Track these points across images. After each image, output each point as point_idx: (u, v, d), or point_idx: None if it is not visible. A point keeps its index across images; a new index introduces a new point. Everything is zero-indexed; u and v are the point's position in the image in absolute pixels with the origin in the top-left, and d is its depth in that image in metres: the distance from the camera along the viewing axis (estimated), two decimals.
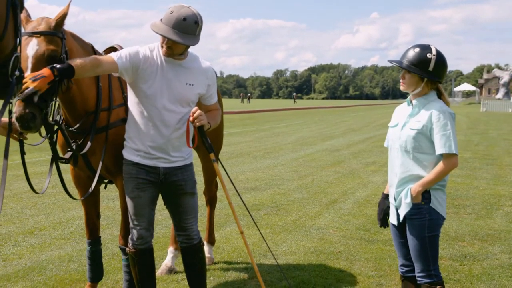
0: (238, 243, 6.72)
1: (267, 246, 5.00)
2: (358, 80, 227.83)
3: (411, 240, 3.88)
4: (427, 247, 3.82)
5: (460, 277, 5.61)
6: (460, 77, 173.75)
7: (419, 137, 3.80)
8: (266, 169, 13.34)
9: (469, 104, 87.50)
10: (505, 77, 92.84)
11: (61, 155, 4.42)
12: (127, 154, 4.10)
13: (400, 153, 3.90)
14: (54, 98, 3.77)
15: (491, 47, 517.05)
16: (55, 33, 3.81)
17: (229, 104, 61.57)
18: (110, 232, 7.13)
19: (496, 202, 9.48)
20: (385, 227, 4.24)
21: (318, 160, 15.08)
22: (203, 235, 5.77)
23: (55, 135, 4.31)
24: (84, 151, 4.20)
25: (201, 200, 5.48)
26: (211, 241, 6.16)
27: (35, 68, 3.64)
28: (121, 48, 4.49)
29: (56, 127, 4.24)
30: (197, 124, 3.92)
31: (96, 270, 4.88)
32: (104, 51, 4.61)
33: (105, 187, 4.97)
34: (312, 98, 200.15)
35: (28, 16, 3.90)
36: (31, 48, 3.71)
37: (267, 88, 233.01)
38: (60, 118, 4.27)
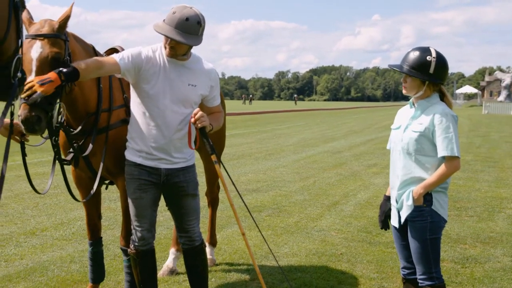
0: (239, 244, 6.72)
1: (269, 248, 5.00)
2: (359, 82, 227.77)
3: (412, 243, 3.88)
4: (429, 249, 3.82)
5: (462, 279, 5.60)
6: (462, 79, 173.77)
7: (422, 140, 3.79)
8: (268, 170, 13.34)
9: (471, 106, 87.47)
10: (507, 80, 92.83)
11: (62, 156, 4.43)
12: (129, 155, 4.10)
13: (402, 155, 3.89)
14: (58, 101, 3.77)
15: (493, 50, 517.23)
16: (59, 35, 3.81)
17: (231, 105, 61.63)
18: (111, 233, 7.13)
19: (498, 204, 9.47)
20: (386, 229, 4.24)
21: (319, 162, 15.07)
22: (205, 236, 5.77)
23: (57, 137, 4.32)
24: (86, 153, 4.21)
25: (203, 201, 5.48)
26: (213, 243, 6.16)
27: (39, 71, 3.65)
28: (122, 49, 4.50)
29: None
30: (199, 125, 3.91)
31: (98, 271, 4.88)
32: (105, 52, 4.62)
33: (106, 188, 4.97)
34: (314, 100, 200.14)
35: (31, 18, 3.91)
36: (35, 50, 3.71)
37: (269, 89, 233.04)
38: (61, 119, 4.27)
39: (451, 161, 3.73)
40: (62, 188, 9.40)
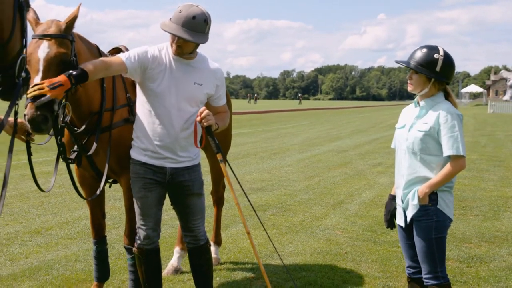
0: (244, 243, 6.72)
1: (274, 247, 4.99)
2: (365, 81, 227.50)
3: (418, 242, 3.87)
4: (434, 248, 3.81)
5: (467, 279, 5.59)
6: (467, 78, 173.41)
7: (427, 139, 3.78)
8: (273, 169, 13.34)
9: (476, 105, 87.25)
10: None
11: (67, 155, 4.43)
12: (135, 154, 4.10)
13: (407, 155, 3.88)
14: (64, 100, 3.78)
15: (498, 48, 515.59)
16: (65, 36, 3.82)
17: (236, 104, 61.48)
18: (116, 232, 7.14)
19: (503, 203, 9.44)
20: (391, 228, 4.23)
21: (324, 161, 15.06)
22: (210, 235, 5.77)
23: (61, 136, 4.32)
24: (90, 152, 4.22)
25: (208, 200, 5.48)
26: (218, 242, 6.16)
27: (46, 71, 3.66)
28: (126, 48, 4.51)
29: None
30: (205, 124, 3.91)
31: (102, 270, 4.89)
32: (109, 52, 4.63)
33: (110, 187, 4.98)
34: (319, 99, 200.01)
35: (37, 18, 3.91)
36: (42, 50, 3.72)
37: (274, 88, 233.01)
38: (67, 118, 4.27)
39: (457, 160, 3.72)
40: (67, 187, 9.42)
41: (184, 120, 4.00)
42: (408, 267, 4.12)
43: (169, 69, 3.97)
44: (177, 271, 5.63)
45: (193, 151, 4.13)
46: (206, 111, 3.93)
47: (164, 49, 4.02)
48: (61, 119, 3.76)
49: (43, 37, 3.77)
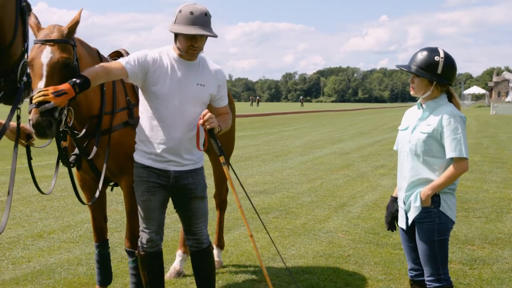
0: (246, 246, 6.72)
1: (276, 250, 5.00)
2: (367, 83, 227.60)
3: (420, 244, 3.86)
4: (437, 251, 3.80)
5: (470, 281, 5.58)
6: (469, 80, 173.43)
7: (429, 141, 3.78)
8: (275, 172, 13.33)
9: (478, 107, 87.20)
10: None
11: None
12: (138, 157, 4.10)
13: (410, 157, 3.88)
14: (66, 105, 3.78)
15: (501, 50, 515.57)
16: (68, 41, 3.83)
17: (238, 107, 61.34)
18: (118, 235, 7.14)
19: (506, 205, 9.42)
20: (393, 231, 4.22)
21: (327, 164, 15.05)
22: (212, 238, 5.77)
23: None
24: (91, 156, 4.23)
25: (211, 203, 5.48)
26: (221, 245, 6.15)
27: (49, 76, 3.67)
28: (127, 52, 4.53)
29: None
30: (208, 126, 3.92)
31: (105, 274, 4.89)
32: (109, 55, 4.64)
33: (112, 190, 4.97)
34: (321, 101, 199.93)
35: (39, 23, 3.92)
36: (45, 56, 3.72)
37: (276, 91, 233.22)
38: (70, 122, 4.28)
39: (460, 162, 3.71)
40: (69, 191, 9.43)
41: (188, 122, 3.99)
42: (410, 269, 4.11)
43: (171, 71, 3.97)
44: (179, 274, 5.63)
45: (197, 154, 4.13)
46: (209, 113, 3.93)
47: (164, 52, 4.03)
48: (63, 123, 3.77)
49: (45, 42, 3.78)
